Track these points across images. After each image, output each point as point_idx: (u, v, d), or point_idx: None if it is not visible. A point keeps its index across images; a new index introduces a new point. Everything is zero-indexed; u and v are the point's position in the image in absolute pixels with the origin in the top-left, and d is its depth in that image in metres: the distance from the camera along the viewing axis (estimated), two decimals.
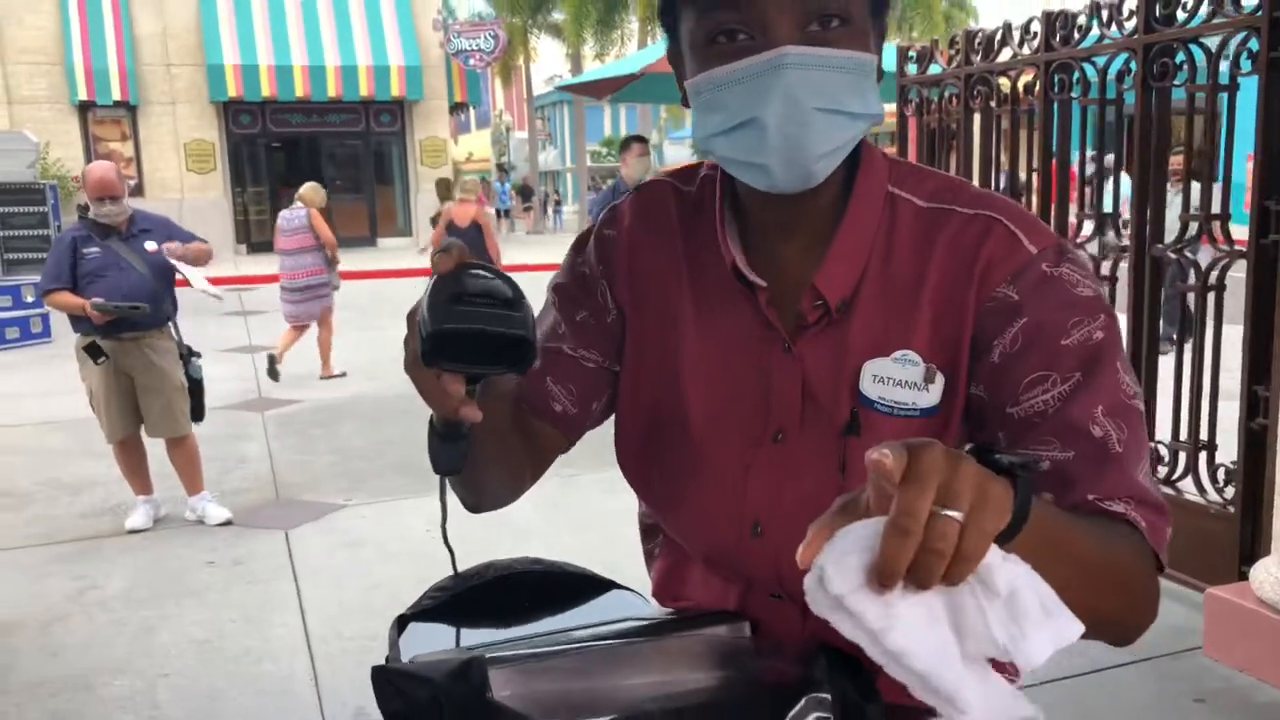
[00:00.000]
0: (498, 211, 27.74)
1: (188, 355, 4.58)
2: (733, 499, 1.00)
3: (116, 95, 18.78)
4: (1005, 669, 1.01)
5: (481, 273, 0.82)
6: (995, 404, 0.91)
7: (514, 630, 1.11)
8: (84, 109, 18.95)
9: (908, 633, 0.57)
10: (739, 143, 0.89)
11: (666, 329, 1.04)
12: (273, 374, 7.71)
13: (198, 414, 4.62)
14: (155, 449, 4.65)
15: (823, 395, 0.96)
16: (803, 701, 0.89)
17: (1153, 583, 0.86)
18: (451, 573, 1.17)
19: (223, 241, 19.54)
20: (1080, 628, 0.60)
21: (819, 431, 0.95)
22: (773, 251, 0.98)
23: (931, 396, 0.93)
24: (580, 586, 1.20)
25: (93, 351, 4.38)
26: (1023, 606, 0.59)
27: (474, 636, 1.10)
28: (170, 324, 4.54)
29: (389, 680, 0.90)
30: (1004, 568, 0.59)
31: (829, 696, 0.89)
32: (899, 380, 0.93)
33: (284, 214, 8.02)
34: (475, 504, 1.11)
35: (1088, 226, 4.00)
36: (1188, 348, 3.56)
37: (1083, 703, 2.83)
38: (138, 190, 18.32)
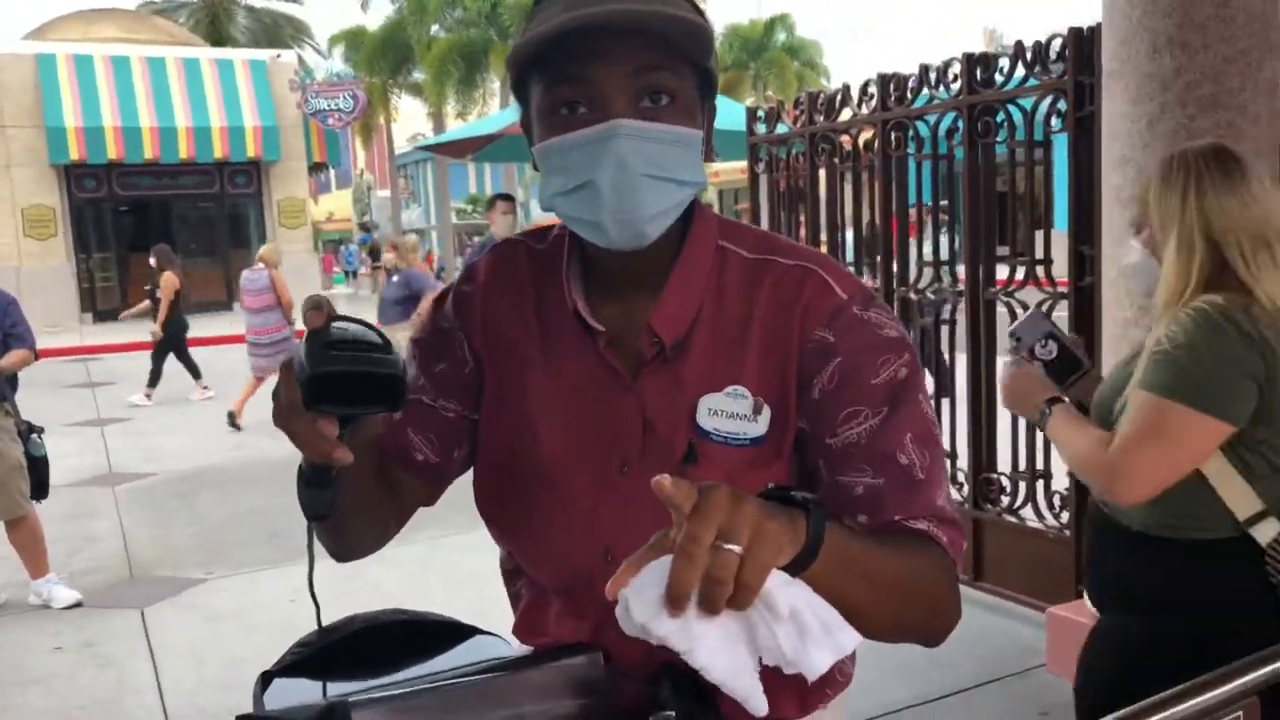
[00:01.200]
0: (346, 273, 27.48)
1: (27, 432, 4.36)
2: (585, 528, 1.05)
3: None
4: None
5: (350, 324, 0.89)
6: (816, 435, 1.00)
7: (380, 680, 1.13)
8: None
9: (708, 651, 0.66)
10: (578, 203, 0.98)
11: (519, 375, 1.11)
12: (234, 426, 8.02)
13: (40, 492, 4.39)
14: None
15: (662, 427, 1.03)
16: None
17: (953, 589, 0.96)
18: (316, 628, 1.19)
19: (66, 310, 18.61)
20: (856, 638, 0.70)
21: (660, 461, 1.02)
22: (616, 298, 1.06)
23: (759, 427, 1.01)
24: (444, 634, 1.23)
25: None
26: (804, 625, 0.68)
27: (340, 689, 1.11)
28: (5, 401, 4.31)
29: None
30: (785, 592, 0.68)
31: (674, 714, 0.95)
32: (730, 412, 1.01)
33: (247, 274, 8.47)
34: (342, 553, 1.14)
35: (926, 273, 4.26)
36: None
37: None
38: None
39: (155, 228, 21.08)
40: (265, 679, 1.15)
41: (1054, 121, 3.54)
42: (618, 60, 0.94)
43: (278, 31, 33.46)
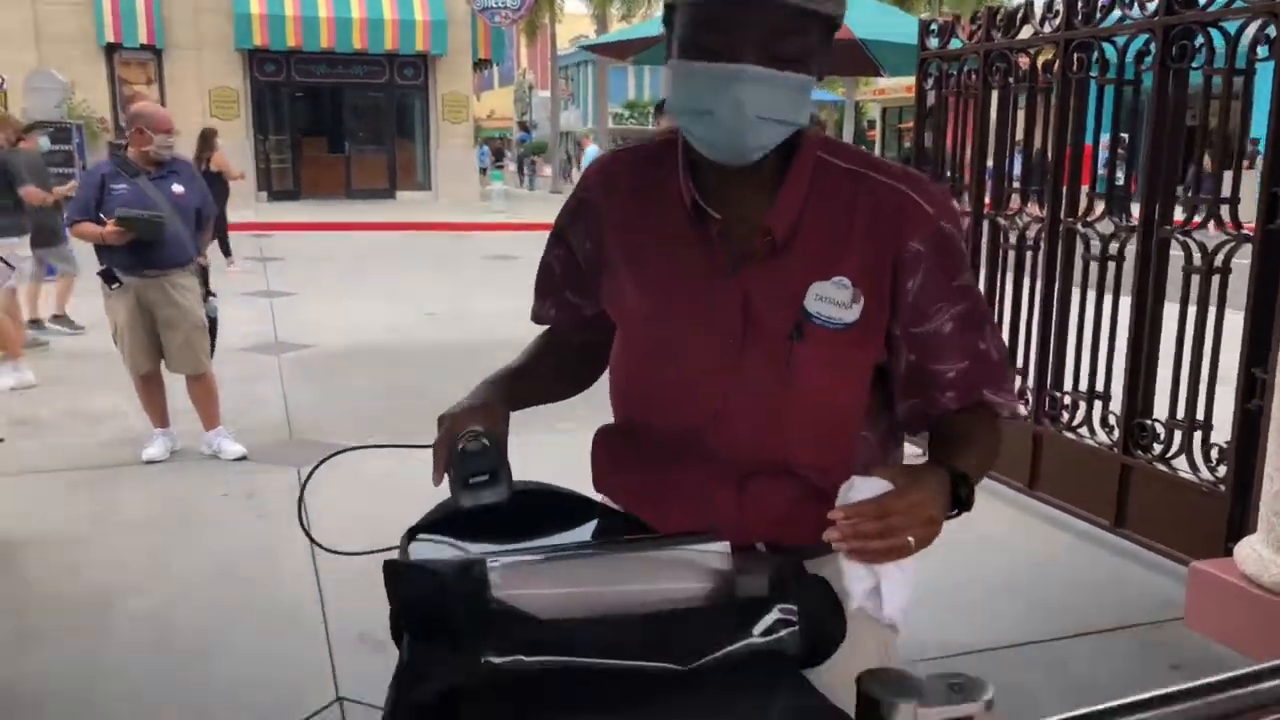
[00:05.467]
0: (483, 170, 27.90)
1: (205, 295, 4.69)
2: (697, 392, 1.24)
3: (143, 38, 18.78)
4: None
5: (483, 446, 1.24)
6: (909, 329, 1.22)
7: (516, 544, 1.20)
8: (110, 51, 18.98)
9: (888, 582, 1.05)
10: (698, 123, 1.15)
11: (636, 261, 1.29)
12: None
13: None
14: (175, 384, 4.77)
15: (766, 311, 1.20)
16: (773, 611, 0.98)
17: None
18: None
19: (244, 188, 19.54)
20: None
21: (767, 338, 1.21)
22: (725, 195, 1.22)
23: (853, 314, 1.20)
24: (577, 508, 1.29)
25: (107, 276, 4.46)
26: (909, 576, 1.05)
27: (478, 549, 1.19)
28: (193, 263, 4.63)
29: (399, 572, 0.99)
30: (912, 564, 1.04)
31: (796, 608, 0.98)
32: (833, 299, 1.19)
33: None
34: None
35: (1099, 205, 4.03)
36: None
37: (1063, 662, 2.92)
38: None
39: (327, 114, 21.91)
40: (411, 534, 1.24)
41: (1259, 49, 3.26)
42: (752, 25, 1.10)
43: None
